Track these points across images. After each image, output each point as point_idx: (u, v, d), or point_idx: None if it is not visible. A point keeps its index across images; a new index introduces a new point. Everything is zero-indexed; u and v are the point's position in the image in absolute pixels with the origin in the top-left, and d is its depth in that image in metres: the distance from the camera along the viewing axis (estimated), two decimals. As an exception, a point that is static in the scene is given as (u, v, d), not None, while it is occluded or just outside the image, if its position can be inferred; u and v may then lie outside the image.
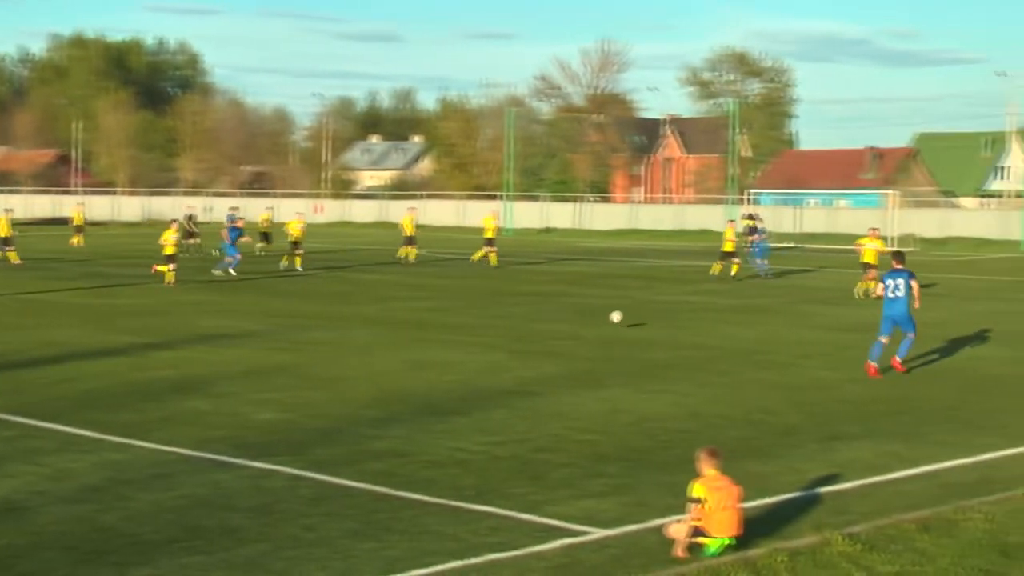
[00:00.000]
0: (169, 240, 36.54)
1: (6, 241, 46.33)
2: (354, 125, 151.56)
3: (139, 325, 25.81)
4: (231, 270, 39.56)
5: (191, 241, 51.96)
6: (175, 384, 18.17)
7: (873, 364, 19.62)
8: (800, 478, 12.69)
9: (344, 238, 71.30)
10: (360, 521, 10.96)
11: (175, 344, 22.74)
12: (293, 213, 50.67)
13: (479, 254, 47.89)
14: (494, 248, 47.61)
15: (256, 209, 67.99)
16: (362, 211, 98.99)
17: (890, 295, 19.99)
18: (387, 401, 16.98)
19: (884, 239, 41.56)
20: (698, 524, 10.05)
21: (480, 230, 49.47)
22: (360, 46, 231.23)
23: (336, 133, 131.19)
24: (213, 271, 39.79)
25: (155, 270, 36.69)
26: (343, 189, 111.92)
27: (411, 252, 48.32)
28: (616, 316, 25.78)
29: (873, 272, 33.11)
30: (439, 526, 10.80)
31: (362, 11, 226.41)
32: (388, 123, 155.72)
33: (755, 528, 10.37)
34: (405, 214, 51.85)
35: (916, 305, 19.89)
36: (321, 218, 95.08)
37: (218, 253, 45.70)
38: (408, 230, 48.66)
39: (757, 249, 43.79)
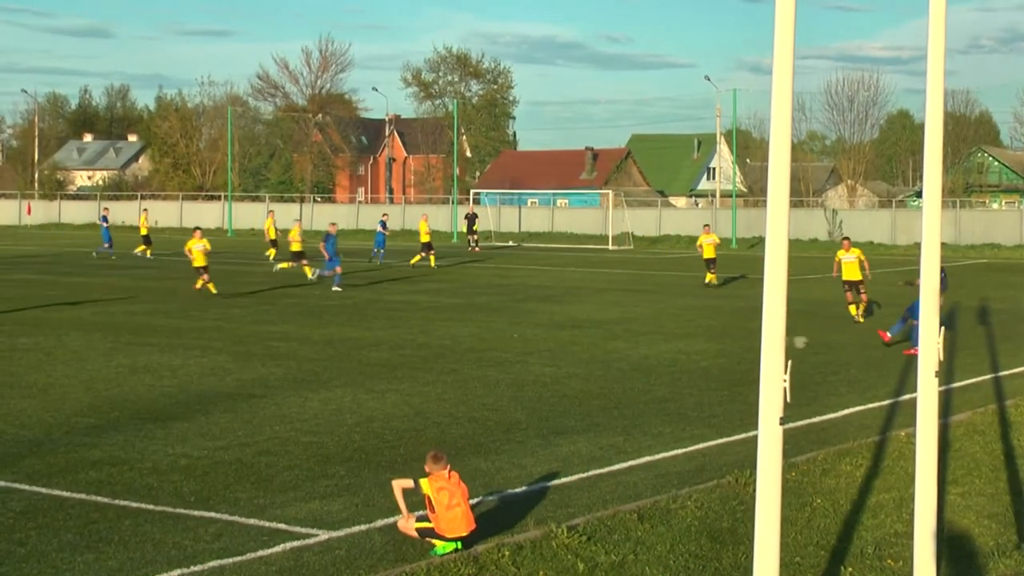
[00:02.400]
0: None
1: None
2: (66, 123, 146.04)
3: None
4: None
5: None
6: None
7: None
8: (523, 473, 12.93)
9: (56, 240, 68.63)
10: (77, 533, 10.58)
11: None
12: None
13: (416, 259, 48.38)
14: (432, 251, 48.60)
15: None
16: (76, 212, 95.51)
17: None
18: (103, 408, 16.44)
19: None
20: (428, 525, 10.14)
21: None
22: (69, 41, 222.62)
23: (47, 131, 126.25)
24: None
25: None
26: (55, 189, 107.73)
27: (272, 253, 50.07)
28: (800, 342, 23.96)
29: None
30: (161, 534, 10.53)
31: (69, 5, 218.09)
32: (102, 121, 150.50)
33: (480, 524, 10.50)
34: (267, 218, 53.72)
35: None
36: (30, 220, 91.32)
37: None
38: (271, 233, 51.17)
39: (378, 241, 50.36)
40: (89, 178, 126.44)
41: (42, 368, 20.01)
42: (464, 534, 10.12)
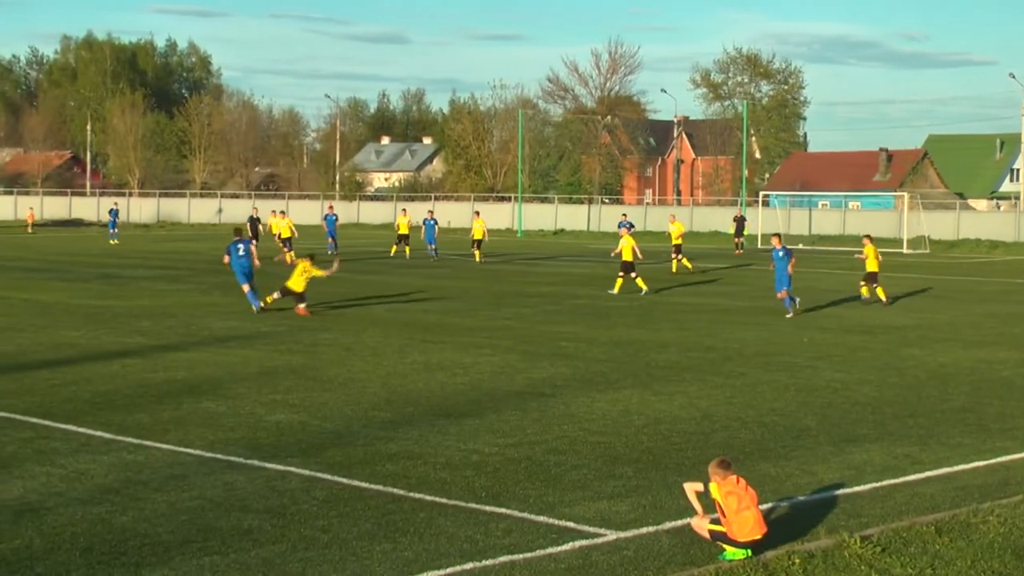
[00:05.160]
0: None
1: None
2: (365, 127, 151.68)
3: (151, 327, 25.87)
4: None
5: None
6: (188, 385, 18.22)
7: None
8: (814, 480, 12.68)
9: (355, 239, 71.36)
10: (375, 522, 10.97)
11: (187, 346, 22.80)
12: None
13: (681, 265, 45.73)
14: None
15: (267, 211, 68.03)
16: (373, 213, 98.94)
17: None
18: (399, 403, 16.99)
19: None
20: (720, 529, 10.07)
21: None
22: (368, 48, 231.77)
23: (347, 135, 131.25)
24: None
25: None
26: (354, 191, 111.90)
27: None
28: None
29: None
30: (453, 528, 10.81)
31: (369, 13, 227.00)
32: (398, 125, 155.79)
33: (770, 530, 10.35)
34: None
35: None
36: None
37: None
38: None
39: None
40: (386, 180, 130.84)
41: (342, 363, 20.83)
42: (756, 537, 10.01)
